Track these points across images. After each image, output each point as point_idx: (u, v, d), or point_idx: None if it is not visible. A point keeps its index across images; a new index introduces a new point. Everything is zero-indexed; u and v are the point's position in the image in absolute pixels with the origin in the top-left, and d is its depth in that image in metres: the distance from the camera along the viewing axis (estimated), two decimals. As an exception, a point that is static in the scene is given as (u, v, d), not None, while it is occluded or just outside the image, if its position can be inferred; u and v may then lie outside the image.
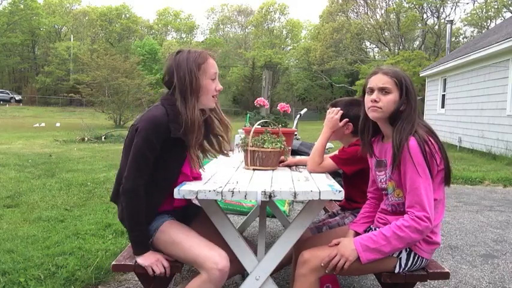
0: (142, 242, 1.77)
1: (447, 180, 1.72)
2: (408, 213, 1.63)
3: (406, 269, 1.73)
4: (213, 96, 1.88)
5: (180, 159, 1.83)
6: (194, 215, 2.06)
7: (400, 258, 1.72)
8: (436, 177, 1.67)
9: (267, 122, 2.40)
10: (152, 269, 1.73)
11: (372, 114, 1.76)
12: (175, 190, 1.63)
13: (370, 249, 1.65)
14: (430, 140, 1.64)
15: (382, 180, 1.82)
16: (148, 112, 1.80)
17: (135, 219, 1.74)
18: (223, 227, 1.80)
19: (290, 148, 2.54)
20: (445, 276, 1.82)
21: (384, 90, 1.72)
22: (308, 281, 1.72)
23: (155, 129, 1.73)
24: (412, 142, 1.62)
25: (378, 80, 1.74)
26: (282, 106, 2.71)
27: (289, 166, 2.31)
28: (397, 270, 1.73)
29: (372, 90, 1.76)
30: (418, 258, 1.73)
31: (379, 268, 1.76)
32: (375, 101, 1.72)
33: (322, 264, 1.69)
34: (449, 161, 1.72)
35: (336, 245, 1.73)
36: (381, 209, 1.87)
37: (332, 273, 1.75)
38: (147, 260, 1.74)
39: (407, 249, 1.72)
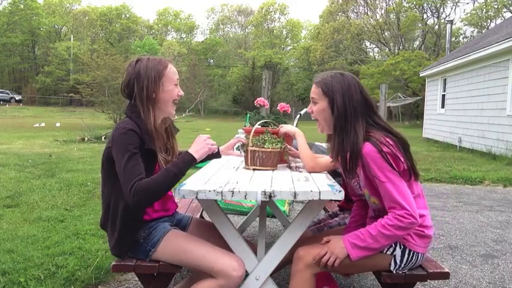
0: (189, 160, 1.73)
1: (415, 175, 1.70)
2: (390, 212, 1.64)
3: (402, 265, 1.74)
4: (173, 103, 1.86)
5: (153, 169, 1.81)
6: (186, 224, 2.07)
7: (395, 255, 1.73)
8: (404, 175, 1.65)
9: (267, 122, 2.40)
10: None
11: (318, 130, 1.84)
12: (176, 190, 1.63)
13: (358, 247, 1.66)
14: (387, 142, 1.63)
15: (357, 188, 1.86)
16: (118, 128, 1.72)
17: (171, 179, 1.65)
18: (223, 227, 1.80)
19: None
20: (445, 276, 1.82)
21: (313, 101, 1.81)
22: (303, 277, 1.74)
23: (130, 138, 1.68)
24: (368, 147, 1.61)
25: (311, 91, 1.82)
26: (282, 106, 2.71)
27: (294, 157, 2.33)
28: (392, 268, 1.73)
29: None
30: (413, 254, 1.74)
31: (374, 266, 1.77)
32: (310, 112, 1.83)
33: (313, 261, 1.70)
34: (412, 156, 1.70)
35: (327, 242, 1.74)
36: (369, 216, 1.91)
37: (328, 272, 1.76)
38: (201, 151, 1.78)
39: (402, 246, 1.73)
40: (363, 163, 1.65)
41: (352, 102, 1.70)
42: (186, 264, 1.77)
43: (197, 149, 1.77)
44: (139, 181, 1.59)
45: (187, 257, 1.74)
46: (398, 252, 1.73)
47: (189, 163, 1.72)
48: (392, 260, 1.73)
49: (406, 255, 1.73)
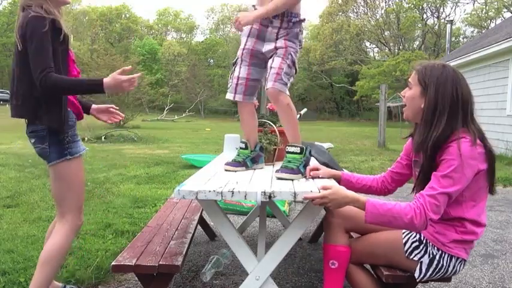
0: (96, 83, 1.91)
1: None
2: (416, 198, 1.61)
3: (428, 274, 1.71)
4: None
5: (66, 56, 1.99)
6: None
7: (421, 262, 1.71)
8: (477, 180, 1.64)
9: (264, 122, 2.48)
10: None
11: (404, 115, 1.80)
12: (176, 191, 1.63)
13: (374, 211, 1.61)
14: (478, 144, 1.61)
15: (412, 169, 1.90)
16: (29, 17, 1.86)
17: (76, 87, 1.93)
18: (223, 227, 1.80)
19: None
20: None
21: (407, 85, 1.78)
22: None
23: (44, 26, 1.83)
24: (466, 146, 1.58)
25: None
26: (270, 105, 2.81)
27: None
28: (417, 275, 1.71)
29: None
30: (444, 261, 1.70)
31: (398, 265, 1.77)
32: (402, 95, 1.80)
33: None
34: (494, 172, 1.69)
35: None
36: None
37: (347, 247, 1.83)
38: (114, 87, 1.92)
39: (431, 255, 1.70)
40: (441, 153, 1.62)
41: (445, 97, 1.65)
42: (61, 189, 1.99)
43: (110, 86, 1.90)
44: (55, 77, 1.82)
45: (67, 186, 1.98)
46: (425, 260, 1.70)
47: (96, 88, 1.90)
48: (418, 267, 1.71)
49: (434, 266, 1.70)
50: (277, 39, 2.05)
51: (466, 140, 1.59)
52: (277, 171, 1.97)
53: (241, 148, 2.21)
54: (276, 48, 2.04)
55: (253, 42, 2.11)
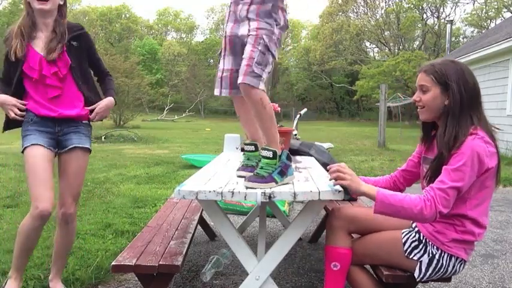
0: None
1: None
2: (426, 190, 1.61)
3: (428, 274, 1.71)
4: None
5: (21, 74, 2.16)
6: (66, 147, 2.26)
7: (421, 261, 1.71)
8: (487, 178, 1.66)
9: None
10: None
11: (420, 117, 1.79)
12: (176, 191, 1.63)
13: (385, 201, 1.60)
14: (490, 142, 1.64)
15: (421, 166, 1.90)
16: None
17: None
18: (223, 227, 1.80)
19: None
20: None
21: (422, 89, 1.75)
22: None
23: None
24: (476, 143, 1.60)
25: (418, 79, 1.78)
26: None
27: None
28: (417, 275, 1.71)
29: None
30: (444, 261, 1.71)
31: (399, 265, 1.77)
32: (415, 100, 1.77)
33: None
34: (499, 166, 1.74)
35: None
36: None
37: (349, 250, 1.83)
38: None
39: (431, 254, 1.70)
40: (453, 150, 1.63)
41: (468, 90, 1.68)
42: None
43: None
44: None
45: (27, 177, 2.07)
46: (425, 259, 1.70)
47: None
48: (418, 267, 1.71)
49: (434, 265, 1.70)
50: (248, 18, 1.77)
51: (479, 137, 1.62)
52: (245, 178, 1.71)
53: (250, 151, 1.90)
54: (249, 31, 1.76)
55: (231, 28, 1.86)
